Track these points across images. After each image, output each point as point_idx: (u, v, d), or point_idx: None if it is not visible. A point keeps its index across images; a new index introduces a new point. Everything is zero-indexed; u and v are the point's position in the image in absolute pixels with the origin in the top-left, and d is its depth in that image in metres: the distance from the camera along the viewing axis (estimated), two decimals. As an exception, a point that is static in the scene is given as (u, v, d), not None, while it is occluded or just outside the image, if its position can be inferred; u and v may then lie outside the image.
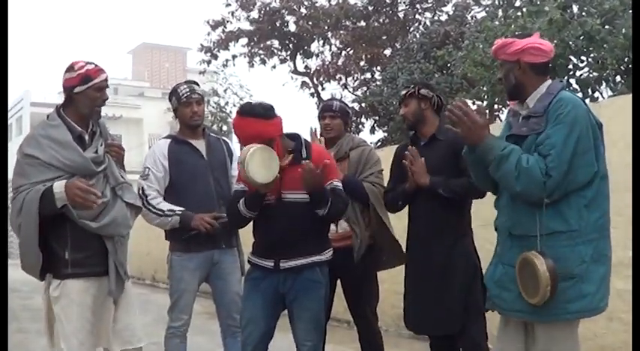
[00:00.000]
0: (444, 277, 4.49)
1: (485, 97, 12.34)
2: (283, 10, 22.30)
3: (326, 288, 4.35)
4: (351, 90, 22.19)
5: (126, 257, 4.38)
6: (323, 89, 22.98)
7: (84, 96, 4.17)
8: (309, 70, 23.37)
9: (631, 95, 6.26)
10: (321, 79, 22.77)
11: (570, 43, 10.38)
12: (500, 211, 3.72)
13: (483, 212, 4.89)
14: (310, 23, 21.84)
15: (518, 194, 3.43)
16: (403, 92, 4.87)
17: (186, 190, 5.00)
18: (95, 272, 4.21)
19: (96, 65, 4.23)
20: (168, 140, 5.16)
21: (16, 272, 5.54)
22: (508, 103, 3.88)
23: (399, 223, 5.11)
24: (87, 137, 4.23)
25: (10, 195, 4.30)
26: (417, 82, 5.41)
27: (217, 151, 5.17)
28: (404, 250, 5.08)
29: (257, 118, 4.12)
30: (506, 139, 3.60)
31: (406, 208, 4.85)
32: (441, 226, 4.55)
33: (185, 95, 5.06)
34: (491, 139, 3.49)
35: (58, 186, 3.92)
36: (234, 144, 4.63)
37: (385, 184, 5.13)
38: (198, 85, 5.26)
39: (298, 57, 23.41)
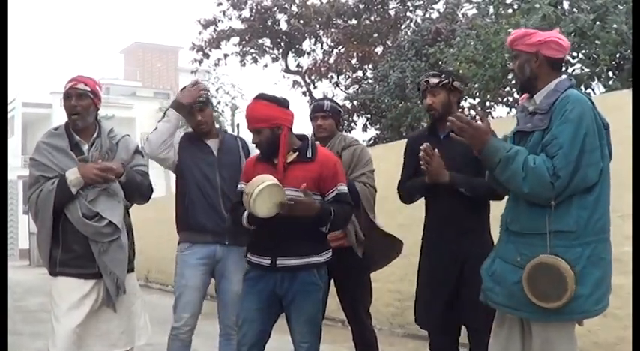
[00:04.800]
0: (465, 273, 4.38)
1: (478, 94, 12.31)
2: (274, 9, 22.22)
3: (324, 290, 4.35)
4: (342, 88, 22.12)
5: (118, 263, 4.50)
6: (315, 88, 22.93)
7: (64, 108, 4.57)
8: (300, 69, 23.31)
9: (623, 91, 6.28)
10: (313, 77, 22.72)
11: (562, 39, 10.37)
12: (505, 206, 3.73)
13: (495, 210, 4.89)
14: (301, 22, 21.77)
15: (525, 195, 3.40)
16: (434, 80, 4.63)
17: (192, 182, 5.00)
18: (83, 274, 4.42)
19: (74, 77, 4.53)
20: (183, 133, 5.21)
21: (10, 273, 5.53)
22: (518, 97, 3.87)
23: (390, 220, 5.10)
24: (86, 147, 4.53)
25: None
26: (446, 72, 5.04)
27: (230, 151, 5.13)
28: (397, 240, 5.08)
29: (270, 102, 4.26)
30: (513, 136, 3.59)
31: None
32: (462, 222, 4.45)
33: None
34: (495, 141, 3.48)
35: (72, 173, 4.33)
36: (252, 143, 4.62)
37: (375, 183, 5.12)
38: (185, 88, 5.14)
39: (290, 55, 23.34)
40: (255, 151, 4.65)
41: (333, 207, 4.22)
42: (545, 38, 3.57)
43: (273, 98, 4.29)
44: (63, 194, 4.31)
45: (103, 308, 4.47)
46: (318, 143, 4.97)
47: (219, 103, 24.80)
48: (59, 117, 39.49)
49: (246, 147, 5.25)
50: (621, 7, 10.00)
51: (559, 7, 11.05)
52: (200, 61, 23.39)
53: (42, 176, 4.37)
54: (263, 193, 3.98)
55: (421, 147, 4.31)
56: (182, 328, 4.92)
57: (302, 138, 4.42)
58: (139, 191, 4.67)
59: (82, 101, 4.47)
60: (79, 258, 4.39)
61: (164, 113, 5.04)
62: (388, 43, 20.61)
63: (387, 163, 7.09)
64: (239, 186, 4.46)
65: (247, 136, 4.79)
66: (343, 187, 4.33)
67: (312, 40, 22.81)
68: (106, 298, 4.44)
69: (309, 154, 4.31)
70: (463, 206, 4.42)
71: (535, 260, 3.36)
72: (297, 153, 4.31)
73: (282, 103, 4.30)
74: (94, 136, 4.55)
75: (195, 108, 5.01)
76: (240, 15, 22.67)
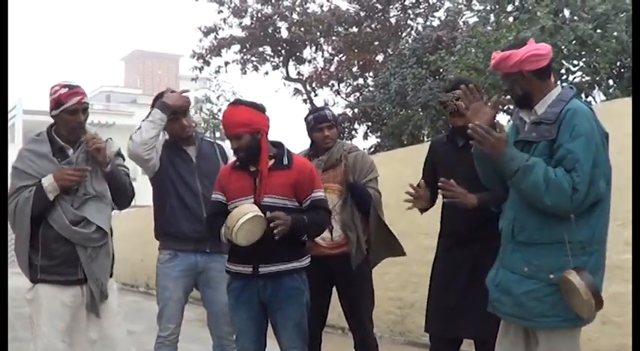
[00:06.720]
0: (475, 282, 4.22)
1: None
2: (275, 17, 22.23)
3: (306, 294, 4.37)
4: (343, 96, 22.13)
5: (104, 269, 4.47)
6: (316, 95, 22.92)
7: (60, 119, 4.48)
8: (301, 77, 23.32)
9: (624, 100, 6.29)
10: (314, 85, 22.72)
11: (562, 47, 10.40)
12: (505, 214, 3.69)
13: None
14: (302, 29, 21.75)
15: (546, 207, 3.37)
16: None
17: (172, 189, 4.98)
18: (66, 281, 4.37)
19: (70, 88, 4.42)
20: (164, 139, 5.16)
21: (10, 280, 5.53)
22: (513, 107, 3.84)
23: (391, 227, 5.10)
24: (71, 151, 4.49)
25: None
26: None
27: (209, 157, 5.12)
28: (399, 244, 5.07)
29: (248, 107, 4.28)
30: (515, 145, 3.57)
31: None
32: (475, 231, 4.37)
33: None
34: (512, 150, 3.46)
35: (46, 179, 4.28)
36: (229, 149, 4.61)
37: (380, 190, 5.10)
38: (174, 92, 5.08)
39: (291, 63, 23.33)
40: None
41: (306, 215, 4.25)
42: (522, 56, 3.53)
43: (252, 103, 4.32)
44: (40, 201, 4.27)
45: (83, 317, 4.43)
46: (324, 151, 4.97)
47: (219, 110, 24.73)
48: (60, 124, 39.57)
49: (223, 152, 5.24)
50: (621, 16, 10.03)
51: (560, 16, 11.08)
52: (201, 69, 23.36)
53: (23, 186, 4.33)
54: (244, 227, 4.00)
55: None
56: (169, 336, 4.97)
57: (277, 145, 4.43)
58: (123, 188, 4.63)
59: (84, 114, 4.48)
60: (61, 265, 4.34)
61: (149, 113, 4.96)
62: (389, 50, 20.58)
63: (388, 170, 7.11)
64: (213, 195, 4.46)
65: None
66: (318, 193, 4.35)
67: (313, 48, 22.83)
68: (90, 303, 4.40)
69: (285, 161, 4.34)
70: (477, 216, 4.37)
71: (561, 277, 3.35)
72: (273, 160, 4.33)
73: (261, 108, 4.33)
74: (80, 139, 4.50)
75: (179, 113, 4.97)
76: (240, 23, 22.69)
